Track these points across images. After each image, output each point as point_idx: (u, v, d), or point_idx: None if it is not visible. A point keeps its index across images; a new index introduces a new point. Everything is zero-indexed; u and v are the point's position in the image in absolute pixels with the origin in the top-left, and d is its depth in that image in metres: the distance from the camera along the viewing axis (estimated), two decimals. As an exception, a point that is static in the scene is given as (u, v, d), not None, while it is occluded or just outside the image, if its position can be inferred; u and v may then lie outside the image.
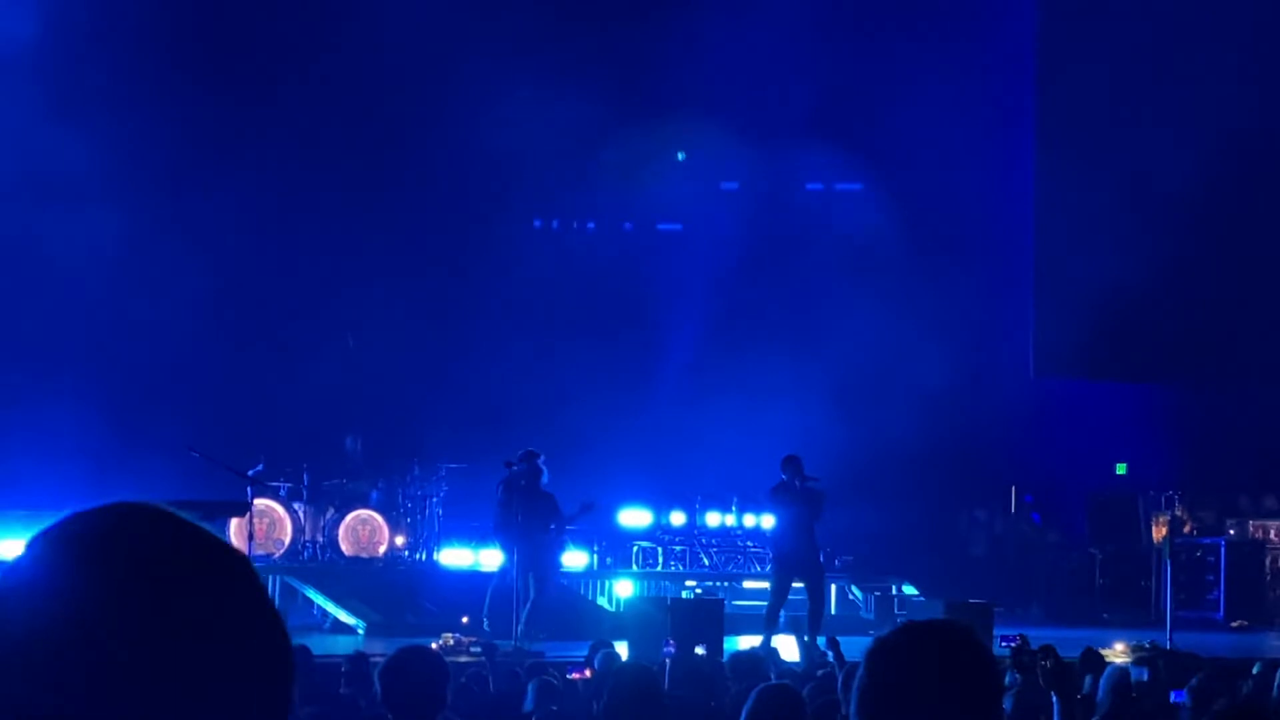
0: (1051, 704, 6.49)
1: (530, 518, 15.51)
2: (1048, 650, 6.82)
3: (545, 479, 15.86)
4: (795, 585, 15.95)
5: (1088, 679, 8.50)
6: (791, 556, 15.86)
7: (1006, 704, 7.34)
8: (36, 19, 19.53)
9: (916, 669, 2.64)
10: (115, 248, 20.05)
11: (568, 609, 17.56)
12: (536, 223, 25.30)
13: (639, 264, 23.91)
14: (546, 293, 23.43)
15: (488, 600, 15.74)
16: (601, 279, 23.56)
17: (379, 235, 22.76)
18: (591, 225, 25.65)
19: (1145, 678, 8.15)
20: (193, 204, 21.34)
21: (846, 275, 22.83)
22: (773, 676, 9.59)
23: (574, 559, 19.67)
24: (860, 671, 2.68)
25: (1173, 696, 8.36)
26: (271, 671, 1.44)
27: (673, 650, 12.90)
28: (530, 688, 8.54)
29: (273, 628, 1.45)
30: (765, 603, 16.13)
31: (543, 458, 15.88)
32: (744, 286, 23.63)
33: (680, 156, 24.63)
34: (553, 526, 15.81)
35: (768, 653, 14.74)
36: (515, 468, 15.79)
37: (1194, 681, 8.23)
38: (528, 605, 15.40)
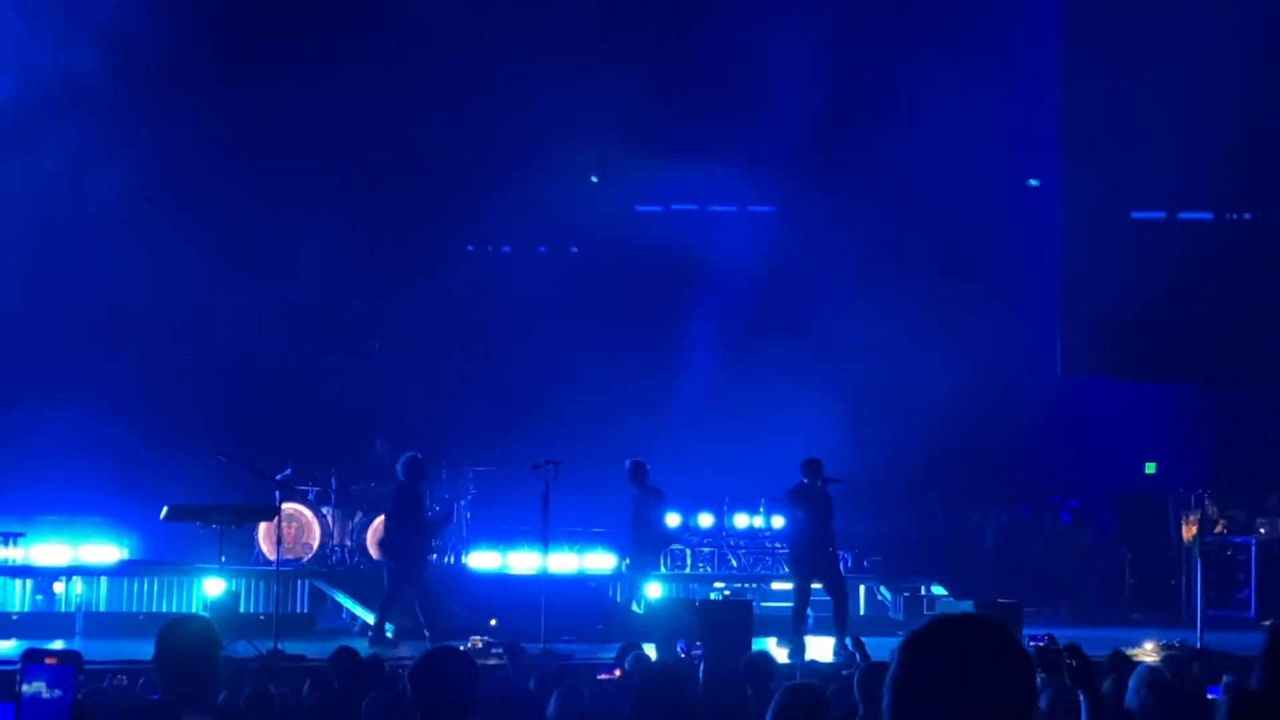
0: (1079, 703, 6.47)
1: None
2: (1073, 649, 6.80)
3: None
4: (815, 586, 15.99)
5: (1109, 680, 8.47)
6: (808, 558, 15.94)
7: (1042, 702, 7.32)
8: (94, 54, 19.67)
9: (949, 662, 2.63)
10: (143, 259, 20.14)
11: (599, 610, 17.60)
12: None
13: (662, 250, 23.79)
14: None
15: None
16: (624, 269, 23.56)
17: (400, 236, 22.86)
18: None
19: (1167, 677, 8.10)
20: (220, 215, 21.43)
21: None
22: (797, 676, 9.58)
23: (602, 561, 19.69)
24: (893, 665, 2.67)
25: (1209, 692, 8.32)
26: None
27: (685, 652, 12.93)
28: (553, 700, 8.53)
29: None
30: (792, 604, 16.14)
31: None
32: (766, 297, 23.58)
33: None
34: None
35: (798, 654, 14.76)
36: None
37: (1227, 679, 8.19)
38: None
